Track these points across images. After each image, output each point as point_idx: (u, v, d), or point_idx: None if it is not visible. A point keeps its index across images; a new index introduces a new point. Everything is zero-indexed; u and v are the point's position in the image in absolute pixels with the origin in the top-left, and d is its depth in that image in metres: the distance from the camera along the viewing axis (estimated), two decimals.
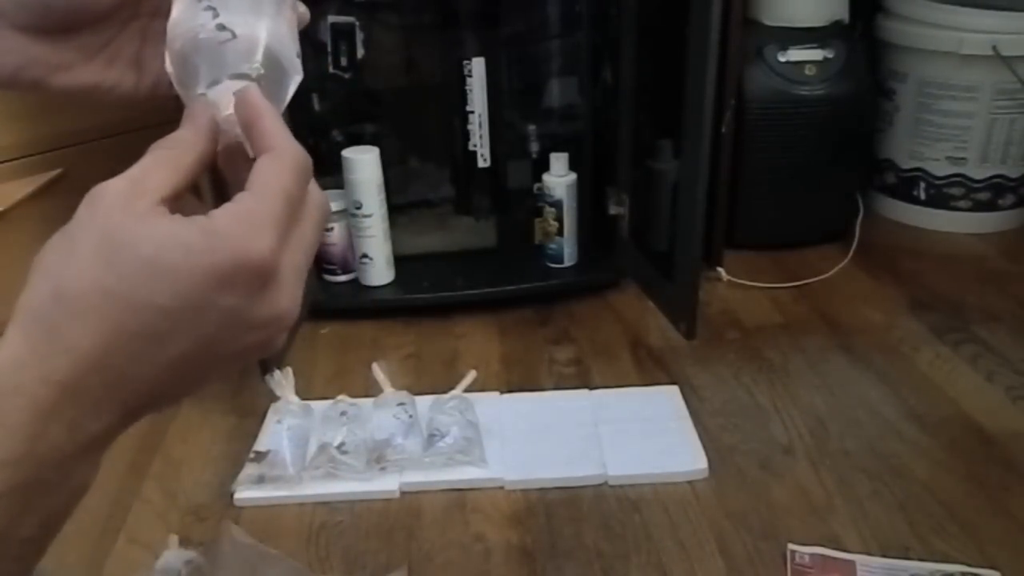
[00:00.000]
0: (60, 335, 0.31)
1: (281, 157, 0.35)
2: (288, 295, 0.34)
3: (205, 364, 0.34)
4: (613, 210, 1.20)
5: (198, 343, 0.33)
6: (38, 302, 0.32)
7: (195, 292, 0.32)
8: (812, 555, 0.76)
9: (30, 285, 0.32)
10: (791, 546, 0.77)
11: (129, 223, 0.32)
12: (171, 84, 0.40)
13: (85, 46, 0.42)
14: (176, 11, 0.38)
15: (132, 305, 0.31)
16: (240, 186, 0.36)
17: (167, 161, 0.34)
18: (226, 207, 0.33)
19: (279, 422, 0.91)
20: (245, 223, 0.33)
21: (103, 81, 0.43)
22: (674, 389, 1.00)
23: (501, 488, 0.86)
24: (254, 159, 0.36)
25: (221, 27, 0.36)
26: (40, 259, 0.33)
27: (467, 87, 1.14)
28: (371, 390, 0.97)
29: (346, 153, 1.13)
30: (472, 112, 1.15)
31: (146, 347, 0.32)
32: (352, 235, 1.17)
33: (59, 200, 1.03)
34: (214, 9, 0.37)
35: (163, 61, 0.40)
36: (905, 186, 1.41)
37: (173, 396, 0.35)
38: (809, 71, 1.26)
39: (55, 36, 0.41)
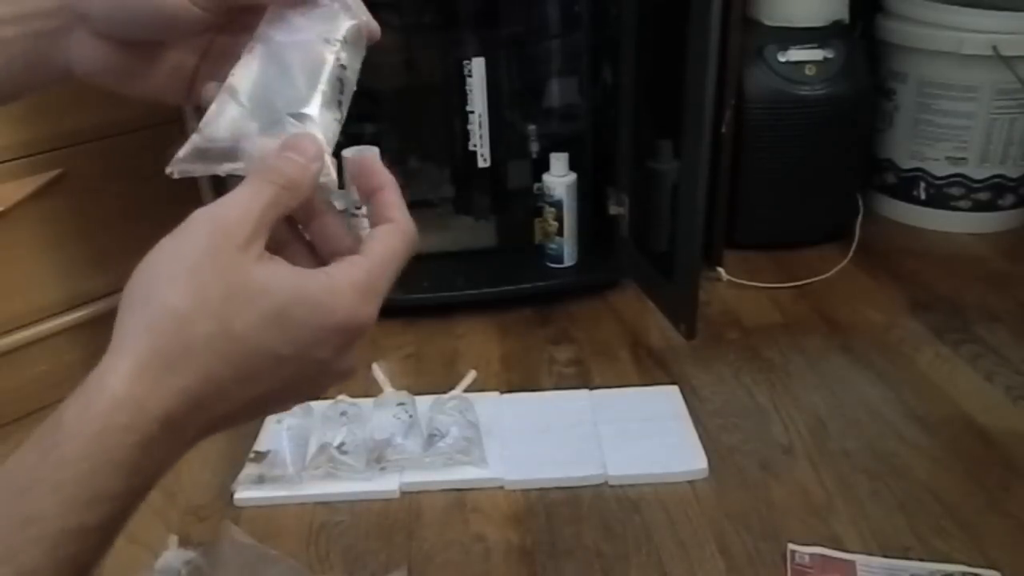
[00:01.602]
0: (178, 373, 0.32)
1: (403, 232, 0.37)
2: (357, 350, 0.37)
3: (274, 402, 0.37)
4: (613, 210, 1.20)
5: (281, 386, 0.35)
6: (162, 340, 0.32)
7: (307, 344, 0.34)
8: (812, 555, 0.76)
9: (143, 312, 0.32)
10: (791, 546, 0.77)
11: (258, 272, 0.33)
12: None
13: (156, 59, 0.43)
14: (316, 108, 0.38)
15: (254, 351, 0.33)
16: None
17: (282, 204, 0.35)
18: (348, 270, 0.35)
19: (279, 422, 0.91)
20: (363, 291, 0.35)
21: (164, 92, 0.44)
22: (674, 389, 0.99)
23: (501, 488, 0.86)
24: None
25: (337, 120, 0.40)
26: (153, 286, 0.33)
27: (467, 87, 1.14)
28: (371, 390, 0.97)
29: (346, 153, 1.13)
30: (472, 112, 1.15)
31: (241, 386, 0.34)
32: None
33: (59, 200, 1.02)
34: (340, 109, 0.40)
35: (213, 78, 0.40)
36: (905, 186, 1.41)
37: (231, 425, 0.36)
38: (809, 71, 1.26)
39: (132, 48, 0.42)
